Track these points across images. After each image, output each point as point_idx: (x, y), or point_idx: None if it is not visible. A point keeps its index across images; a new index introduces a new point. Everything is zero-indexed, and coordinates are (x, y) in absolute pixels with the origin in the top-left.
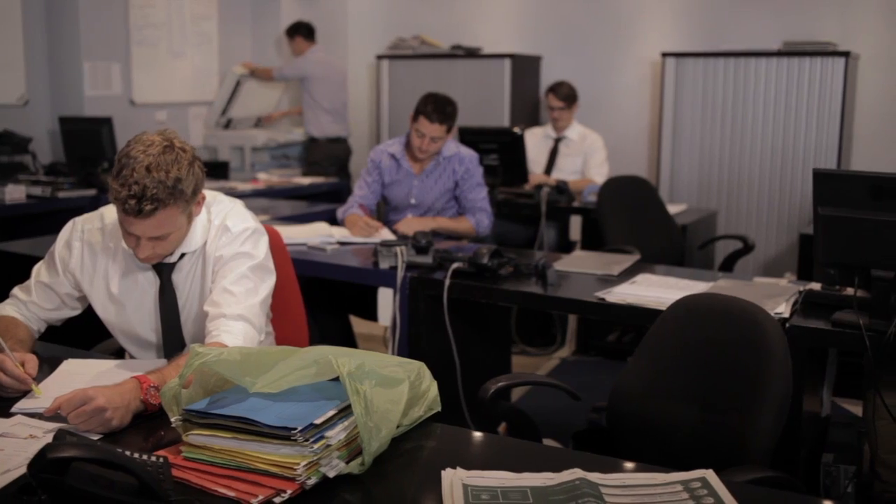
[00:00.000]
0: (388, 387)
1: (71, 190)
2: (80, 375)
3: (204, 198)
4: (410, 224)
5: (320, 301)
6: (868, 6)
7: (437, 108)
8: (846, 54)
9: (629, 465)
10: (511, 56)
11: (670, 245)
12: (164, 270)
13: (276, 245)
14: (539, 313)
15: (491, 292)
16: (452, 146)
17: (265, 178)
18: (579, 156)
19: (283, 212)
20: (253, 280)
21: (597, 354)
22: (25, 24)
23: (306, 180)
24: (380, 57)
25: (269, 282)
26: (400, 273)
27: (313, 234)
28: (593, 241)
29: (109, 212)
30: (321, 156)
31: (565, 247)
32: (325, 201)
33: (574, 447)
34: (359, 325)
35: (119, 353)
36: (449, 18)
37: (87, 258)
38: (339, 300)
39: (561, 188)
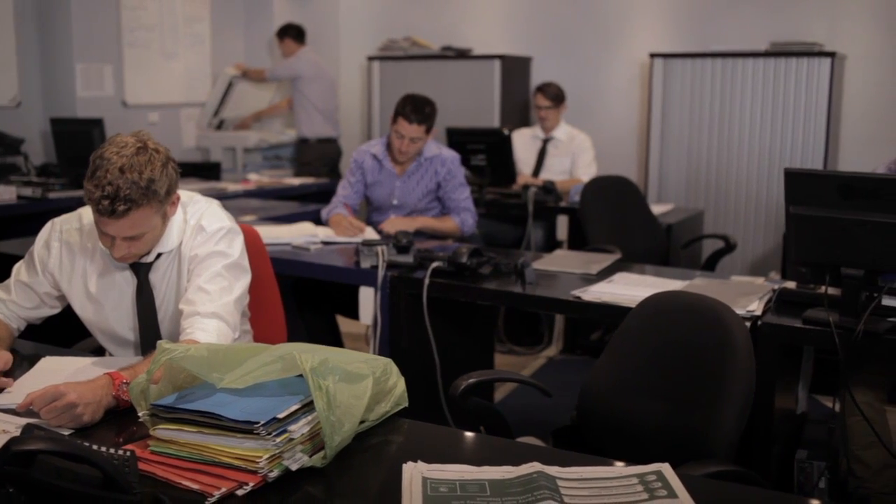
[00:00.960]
0: (352, 382)
1: (61, 191)
2: (57, 372)
3: (178, 198)
4: (395, 224)
5: (307, 301)
6: (855, 7)
7: (415, 108)
8: (832, 55)
9: (589, 459)
10: (501, 57)
11: (654, 244)
12: (141, 270)
13: (254, 245)
14: (527, 313)
15: (470, 291)
16: (434, 147)
17: (256, 179)
18: (567, 156)
19: (271, 212)
20: (227, 278)
21: (584, 353)
22: (18, 26)
23: (296, 181)
24: (370, 58)
25: (244, 280)
26: (381, 272)
27: (298, 234)
28: (580, 240)
29: (87, 212)
30: (312, 156)
31: (552, 246)
32: (315, 202)
33: (553, 444)
34: (346, 324)
35: (98, 351)
36: (439, 20)
37: (65, 258)
38: (326, 300)
39: (548, 188)
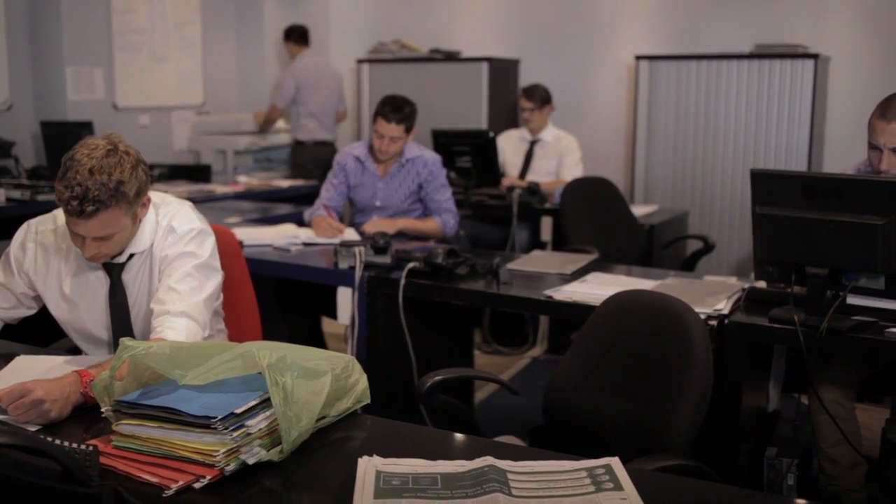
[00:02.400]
0: (311, 378)
1: (50, 193)
2: (31, 371)
3: (149, 200)
4: (377, 225)
5: (290, 302)
6: (839, 9)
7: (395, 108)
8: (816, 56)
9: (544, 454)
10: (489, 59)
11: (634, 245)
12: (113, 270)
13: (229, 245)
14: (512, 314)
15: (445, 291)
16: (415, 149)
17: (245, 181)
18: (554, 158)
19: (257, 214)
20: (197, 278)
21: None
22: (8, 30)
23: (286, 183)
24: (360, 61)
25: (214, 280)
26: (358, 273)
27: (279, 236)
28: (564, 241)
29: (62, 214)
30: (306, 158)
31: (537, 247)
32: (304, 204)
33: (530, 443)
34: (330, 325)
35: (74, 350)
36: (429, 23)
37: (40, 259)
38: (308, 301)
39: (532, 190)
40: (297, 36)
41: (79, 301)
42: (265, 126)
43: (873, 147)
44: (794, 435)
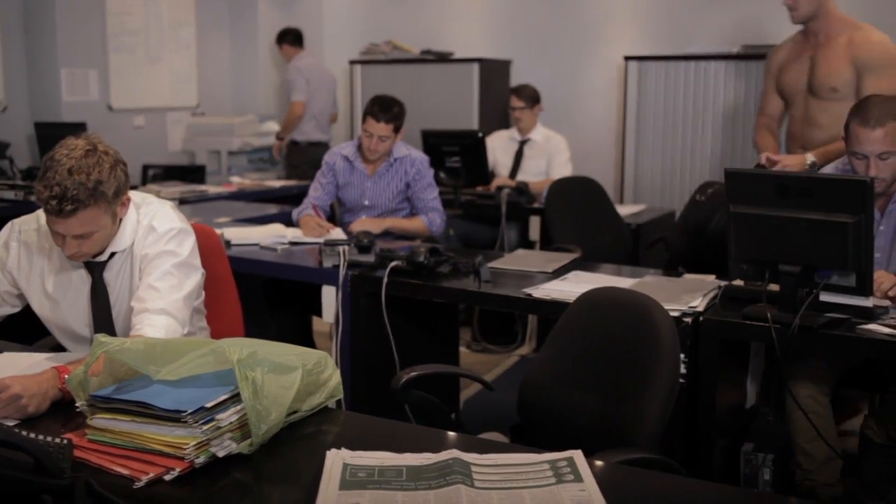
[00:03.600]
0: (281, 373)
1: None
2: (12, 367)
3: (129, 199)
4: (364, 224)
5: (278, 301)
6: None
7: (383, 108)
8: None
9: (511, 447)
10: (479, 60)
11: (619, 244)
12: (95, 269)
13: (212, 244)
14: (501, 312)
15: (427, 289)
16: (403, 149)
17: (238, 182)
18: (543, 157)
19: (248, 214)
20: (177, 276)
21: None
22: (3, 31)
23: (278, 183)
24: (352, 62)
25: (194, 278)
26: (342, 271)
27: (267, 235)
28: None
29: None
30: (302, 159)
31: (526, 246)
32: (297, 204)
33: (511, 439)
34: (321, 323)
35: (59, 348)
36: (421, 24)
37: (23, 258)
38: (297, 300)
39: (521, 189)
40: (291, 38)
41: (61, 299)
42: (292, 126)
43: (856, 155)
44: (767, 429)
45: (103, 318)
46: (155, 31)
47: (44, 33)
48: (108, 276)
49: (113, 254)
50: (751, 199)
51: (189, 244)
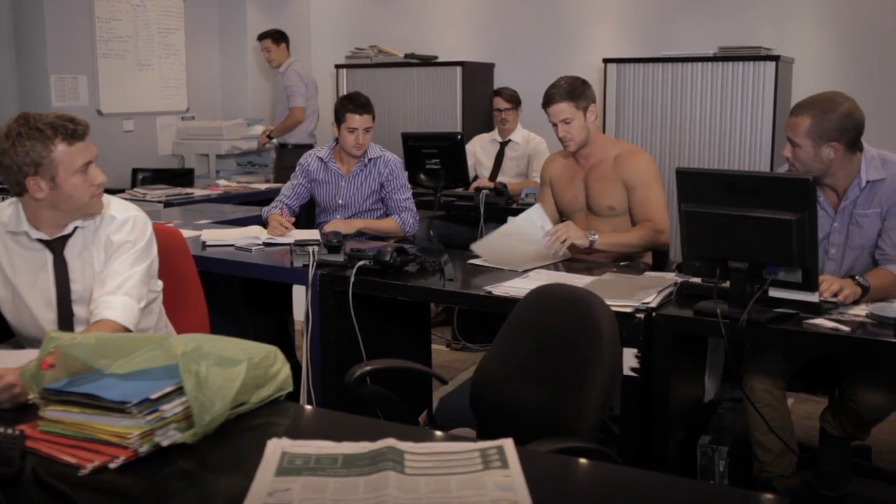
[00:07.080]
0: (226, 366)
1: None
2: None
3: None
4: (338, 225)
5: (255, 301)
6: (802, 12)
7: (358, 102)
8: (777, 58)
9: (447, 437)
10: (462, 63)
11: None
12: (56, 245)
13: (176, 244)
14: (481, 311)
15: (391, 287)
16: (377, 149)
17: (224, 185)
18: (524, 159)
19: (229, 215)
20: (133, 260)
21: None
22: None
23: (263, 185)
24: (338, 66)
25: (149, 259)
26: (311, 270)
27: (243, 236)
28: None
29: (3, 205)
30: (291, 161)
31: None
32: None
33: (478, 434)
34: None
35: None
36: (406, 28)
37: None
38: (274, 299)
39: (499, 190)
40: (276, 35)
41: (20, 281)
42: (290, 130)
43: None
44: (722, 422)
45: (65, 293)
46: (144, 36)
47: (33, 39)
48: (69, 254)
49: (76, 228)
50: (701, 197)
51: (148, 230)
